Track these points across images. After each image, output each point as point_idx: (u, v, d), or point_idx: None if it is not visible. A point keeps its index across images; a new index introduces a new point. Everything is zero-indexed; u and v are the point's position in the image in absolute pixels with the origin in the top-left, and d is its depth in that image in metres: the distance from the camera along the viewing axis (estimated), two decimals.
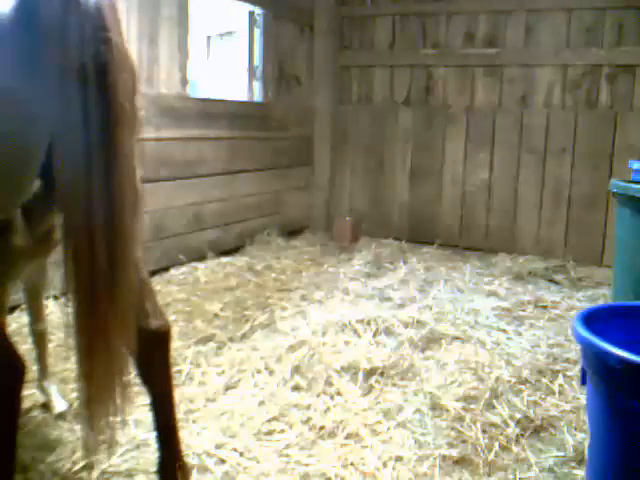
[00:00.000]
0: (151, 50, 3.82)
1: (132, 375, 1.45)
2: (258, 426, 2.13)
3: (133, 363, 1.59)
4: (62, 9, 1.16)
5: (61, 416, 2.13)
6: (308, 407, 2.27)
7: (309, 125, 5.60)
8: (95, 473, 1.83)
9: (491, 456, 2.00)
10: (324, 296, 3.64)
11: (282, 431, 2.12)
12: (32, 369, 2.15)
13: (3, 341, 1.34)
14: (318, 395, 2.37)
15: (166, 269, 3.95)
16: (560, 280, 4.21)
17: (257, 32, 5.01)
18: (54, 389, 2.22)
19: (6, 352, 1.33)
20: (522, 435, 2.14)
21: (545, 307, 3.58)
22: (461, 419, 2.22)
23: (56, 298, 2.91)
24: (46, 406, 2.18)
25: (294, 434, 2.09)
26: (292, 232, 5.29)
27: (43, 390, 2.20)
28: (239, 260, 4.33)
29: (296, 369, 2.55)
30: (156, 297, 1.59)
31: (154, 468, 1.82)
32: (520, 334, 3.11)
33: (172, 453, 1.65)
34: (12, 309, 2.79)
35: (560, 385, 2.51)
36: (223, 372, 2.56)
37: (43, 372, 2.21)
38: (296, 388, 2.43)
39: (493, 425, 2.18)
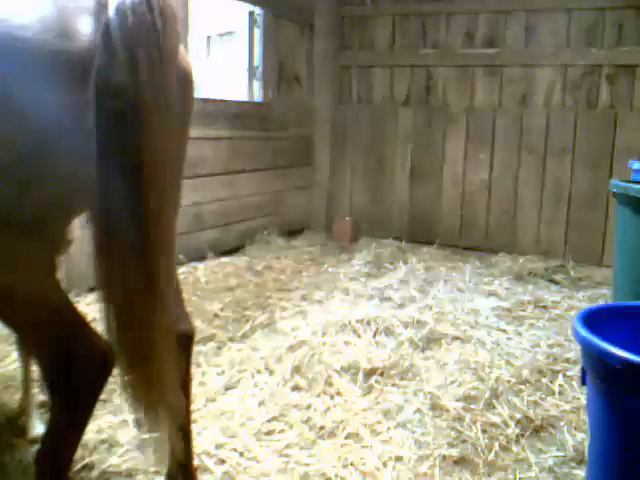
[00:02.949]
0: None
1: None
2: (258, 426, 2.13)
3: None
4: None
5: None
6: (308, 407, 2.27)
7: (309, 125, 5.60)
8: (95, 473, 1.83)
9: (491, 456, 2.00)
10: (324, 296, 3.64)
11: (282, 431, 2.12)
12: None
13: (88, 328, 1.28)
14: (318, 395, 2.37)
15: None
16: (560, 280, 4.20)
17: (257, 32, 5.00)
18: None
19: (93, 338, 1.28)
20: (522, 435, 2.14)
21: (545, 307, 3.58)
22: (461, 419, 2.22)
23: None
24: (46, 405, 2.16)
25: (294, 434, 2.09)
26: (292, 232, 5.29)
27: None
28: (239, 260, 4.32)
29: (296, 369, 2.55)
30: (184, 301, 1.60)
31: (154, 468, 1.82)
32: (520, 334, 3.11)
33: (185, 456, 1.64)
34: None
35: (560, 385, 2.51)
36: (223, 372, 2.56)
37: None
38: (296, 388, 2.43)
39: (493, 425, 2.18)
